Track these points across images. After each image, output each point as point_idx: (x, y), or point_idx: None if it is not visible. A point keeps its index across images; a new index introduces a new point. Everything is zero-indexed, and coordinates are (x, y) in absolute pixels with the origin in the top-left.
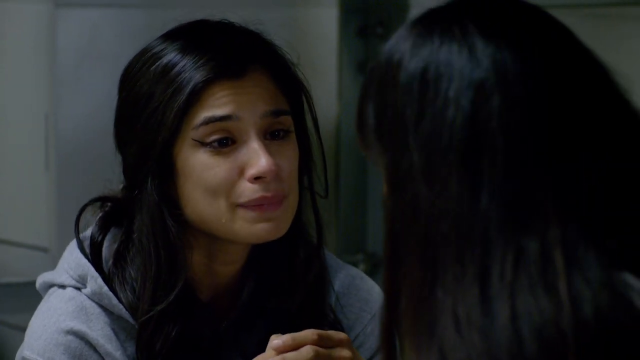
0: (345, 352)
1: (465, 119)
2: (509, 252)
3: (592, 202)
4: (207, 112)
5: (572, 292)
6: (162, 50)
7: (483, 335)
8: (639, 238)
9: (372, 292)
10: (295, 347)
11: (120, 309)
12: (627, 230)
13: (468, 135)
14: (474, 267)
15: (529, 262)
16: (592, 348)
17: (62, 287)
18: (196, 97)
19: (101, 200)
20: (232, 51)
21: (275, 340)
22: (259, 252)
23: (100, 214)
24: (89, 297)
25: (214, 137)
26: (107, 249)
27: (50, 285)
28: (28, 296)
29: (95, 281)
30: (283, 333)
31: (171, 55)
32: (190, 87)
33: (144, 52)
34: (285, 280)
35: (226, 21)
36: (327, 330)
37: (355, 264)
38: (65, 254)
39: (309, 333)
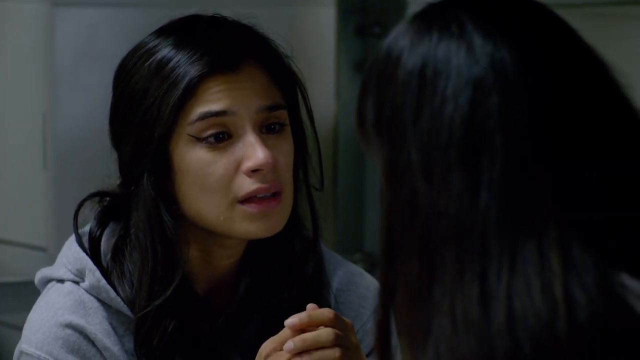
0: (354, 338)
1: (463, 117)
2: (507, 252)
3: (591, 202)
4: (203, 107)
5: (568, 295)
6: (155, 45)
7: (479, 336)
8: (638, 238)
9: (371, 288)
10: (311, 324)
11: (119, 303)
12: (627, 231)
13: (466, 134)
14: (472, 266)
15: (526, 262)
16: (587, 352)
17: (61, 281)
18: (191, 92)
19: (100, 195)
20: (226, 45)
21: (291, 318)
22: (255, 246)
23: (99, 209)
24: (87, 291)
25: (210, 132)
26: (106, 244)
27: (49, 280)
28: (26, 296)
29: (94, 274)
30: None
31: (165, 51)
32: (185, 82)
33: (137, 48)
34: (282, 274)
35: (219, 15)
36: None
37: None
38: (64, 248)
39: (326, 311)
